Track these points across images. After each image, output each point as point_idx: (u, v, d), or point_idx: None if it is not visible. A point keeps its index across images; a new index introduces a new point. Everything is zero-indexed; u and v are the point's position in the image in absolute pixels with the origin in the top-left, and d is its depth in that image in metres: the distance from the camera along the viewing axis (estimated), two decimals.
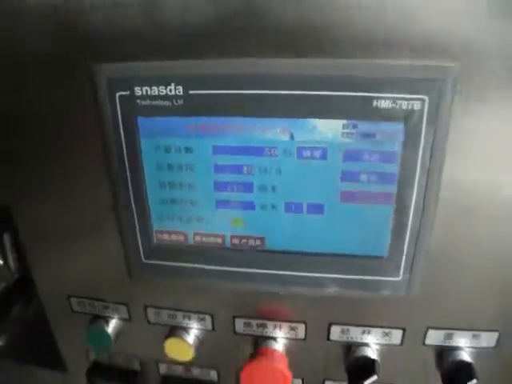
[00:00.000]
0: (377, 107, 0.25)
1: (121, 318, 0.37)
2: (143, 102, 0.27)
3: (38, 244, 0.35)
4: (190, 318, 0.35)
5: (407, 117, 0.25)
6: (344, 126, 0.26)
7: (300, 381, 0.37)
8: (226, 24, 0.24)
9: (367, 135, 0.26)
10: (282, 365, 0.33)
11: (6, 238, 0.46)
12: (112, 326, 0.38)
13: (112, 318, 0.38)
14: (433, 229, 0.28)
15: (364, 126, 0.26)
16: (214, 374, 0.39)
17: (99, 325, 0.38)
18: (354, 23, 0.23)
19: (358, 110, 0.25)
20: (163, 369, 0.40)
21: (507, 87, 0.24)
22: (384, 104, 0.25)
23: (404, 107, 0.25)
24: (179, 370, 0.40)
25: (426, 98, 0.24)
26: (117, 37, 0.26)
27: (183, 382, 0.40)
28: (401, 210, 0.27)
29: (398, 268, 0.29)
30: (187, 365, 0.38)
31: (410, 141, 0.26)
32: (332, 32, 0.24)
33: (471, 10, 0.22)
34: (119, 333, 0.38)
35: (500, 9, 0.22)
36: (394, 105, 0.25)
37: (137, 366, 0.41)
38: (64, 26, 0.26)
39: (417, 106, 0.25)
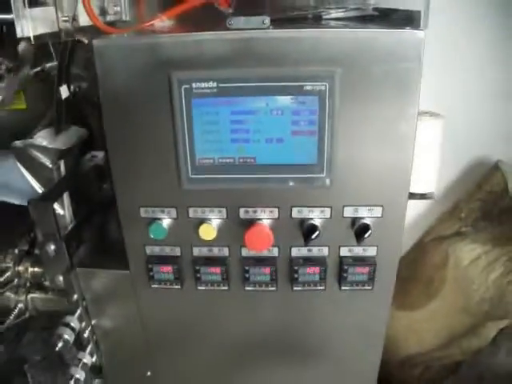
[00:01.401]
0: (306, 89, 0.59)
1: (171, 217, 0.70)
2: (195, 91, 0.60)
3: (122, 172, 0.67)
4: (212, 212, 0.68)
5: (320, 93, 0.59)
6: (291, 99, 0.59)
7: (277, 248, 0.70)
8: (234, 54, 0.58)
9: (302, 102, 0.60)
10: (267, 229, 0.66)
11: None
12: (166, 224, 0.70)
13: (165, 218, 0.70)
14: (338, 149, 0.62)
15: (300, 98, 0.59)
16: (226, 251, 0.71)
17: (158, 223, 0.69)
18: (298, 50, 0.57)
19: (297, 91, 0.59)
20: (195, 251, 0.72)
21: (371, 84, 0.58)
22: (308, 87, 0.58)
23: (317, 88, 0.58)
24: (204, 251, 0.72)
25: (326, 84, 0.58)
26: (183, 59, 0.59)
27: (207, 259, 0.72)
28: (321, 139, 0.61)
29: (322, 169, 0.63)
30: (210, 245, 0.71)
31: (322, 104, 0.59)
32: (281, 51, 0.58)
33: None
34: (169, 228, 0.70)
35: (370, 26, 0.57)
36: (313, 88, 0.59)
37: (178, 252, 0.73)
38: (157, 54, 0.59)
39: (323, 87, 0.58)
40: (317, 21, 0.77)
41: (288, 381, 0.87)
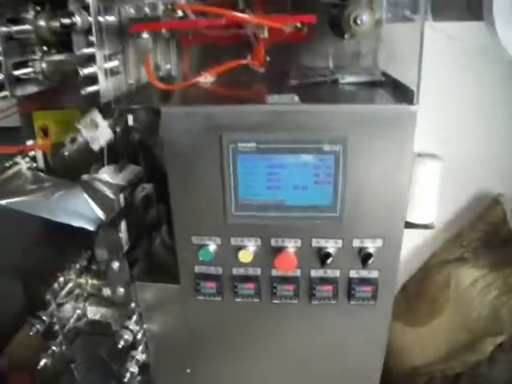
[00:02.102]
0: (324, 149, 0.79)
1: (216, 244, 0.90)
2: (240, 149, 0.81)
3: (179, 208, 0.88)
4: (250, 241, 0.89)
5: (335, 152, 0.79)
6: (313, 157, 0.80)
7: (299, 270, 0.91)
8: (270, 122, 0.79)
9: (321, 159, 0.80)
10: (292, 255, 0.86)
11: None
12: (212, 249, 0.90)
13: (212, 245, 0.90)
14: (348, 193, 0.82)
15: (320, 156, 0.80)
16: (259, 271, 0.92)
17: (206, 248, 0.90)
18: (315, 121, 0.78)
19: (317, 151, 0.80)
20: (234, 271, 0.93)
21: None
22: (326, 148, 0.79)
23: (333, 149, 0.79)
24: (241, 271, 0.92)
25: (340, 146, 0.79)
26: (232, 124, 0.80)
27: (243, 277, 0.93)
28: (335, 186, 0.82)
29: (336, 209, 0.83)
30: (246, 266, 0.91)
31: (336, 161, 0.80)
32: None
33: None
34: (215, 252, 0.91)
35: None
36: (330, 148, 0.79)
37: (220, 271, 0.94)
38: (212, 120, 0.80)
39: (337, 148, 0.79)
40: (334, 84, 0.99)
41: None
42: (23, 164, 1.22)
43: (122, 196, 1.08)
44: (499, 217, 1.55)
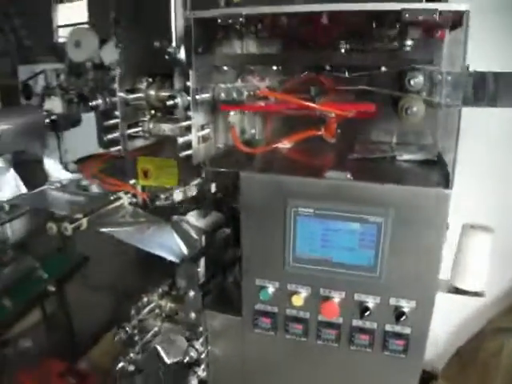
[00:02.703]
0: (369, 220, 0.98)
1: (275, 287, 1.11)
2: (300, 212, 1.02)
3: (249, 256, 1.10)
4: (302, 288, 1.08)
5: (378, 223, 0.98)
6: (360, 225, 0.99)
7: (342, 318, 1.08)
8: (327, 193, 0.99)
9: (367, 228, 0.99)
10: (336, 305, 1.05)
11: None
12: (270, 291, 1.11)
13: (271, 288, 1.11)
14: (388, 258, 1.00)
15: (365, 225, 0.99)
16: (308, 314, 1.11)
17: (266, 290, 1.11)
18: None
19: (364, 221, 0.99)
20: (287, 312, 1.12)
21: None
22: (371, 219, 0.98)
23: (377, 220, 0.98)
24: (293, 313, 1.12)
25: (383, 218, 0.97)
26: (295, 192, 1.01)
27: (294, 318, 1.12)
28: (377, 250, 1.00)
29: (376, 270, 1.01)
30: (298, 309, 1.11)
31: (378, 231, 0.98)
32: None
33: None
34: (273, 294, 1.11)
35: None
36: (374, 220, 0.98)
37: (276, 310, 1.14)
38: (280, 187, 1.02)
39: (380, 220, 0.98)
40: (392, 160, 1.18)
41: None
42: (125, 199, 1.50)
43: (203, 237, 1.32)
44: None
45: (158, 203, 1.33)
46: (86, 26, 1.93)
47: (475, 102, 0.97)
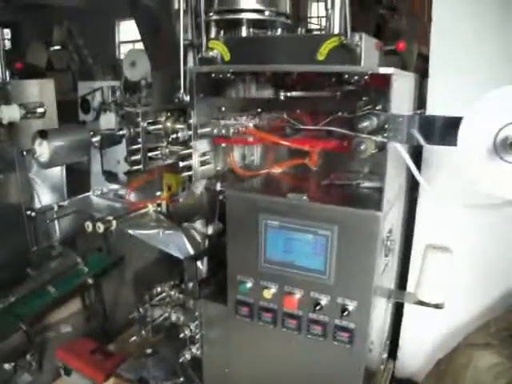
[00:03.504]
0: (319, 233, 1.30)
1: (251, 282, 1.44)
2: (269, 225, 1.35)
3: (235, 258, 1.45)
4: (271, 284, 1.41)
5: (326, 236, 1.29)
6: (312, 237, 1.31)
7: (300, 311, 1.40)
8: (288, 210, 1.32)
9: (318, 239, 1.31)
10: (296, 299, 1.37)
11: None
12: (248, 285, 1.44)
13: (248, 282, 1.44)
14: (335, 264, 1.31)
15: (317, 237, 1.30)
16: (275, 306, 1.43)
17: (245, 284, 1.44)
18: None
19: (315, 234, 1.30)
20: (260, 303, 1.45)
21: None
22: (321, 232, 1.30)
23: (325, 234, 1.29)
24: (265, 304, 1.44)
25: (330, 232, 1.29)
26: (265, 208, 1.35)
27: (265, 308, 1.44)
28: (326, 258, 1.31)
29: (326, 274, 1.32)
30: (268, 301, 1.43)
31: (327, 242, 1.30)
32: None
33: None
34: (249, 288, 1.44)
35: None
36: (323, 233, 1.29)
37: (252, 301, 1.46)
38: (253, 203, 1.36)
39: (328, 233, 1.29)
40: (356, 186, 1.49)
41: None
42: (151, 207, 1.88)
43: (206, 241, 1.68)
44: None
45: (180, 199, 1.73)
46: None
47: (416, 141, 1.25)
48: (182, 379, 1.81)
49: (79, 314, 2.78)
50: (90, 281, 2.56)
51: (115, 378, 1.93)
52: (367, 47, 1.25)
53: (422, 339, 2.15)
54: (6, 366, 2.28)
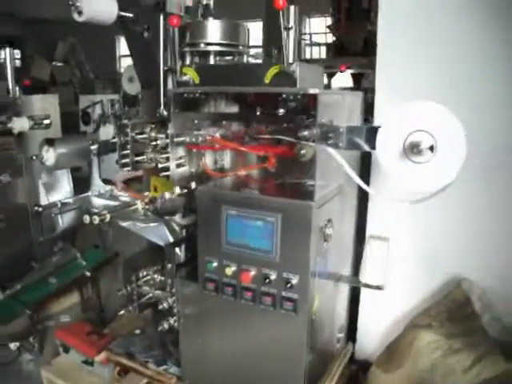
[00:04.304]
0: (267, 220, 1.68)
1: (216, 262, 1.81)
2: (229, 213, 1.73)
3: (203, 243, 1.83)
4: (232, 263, 1.79)
5: (272, 222, 1.67)
6: (262, 223, 1.69)
7: (254, 285, 1.77)
8: (242, 203, 1.71)
9: (266, 225, 1.68)
10: (250, 275, 1.74)
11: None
12: (214, 264, 1.82)
13: (214, 262, 1.82)
14: (281, 244, 1.68)
15: (266, 223, 1.68)
16: (235, 281, 1.81)
17: (211, 263, 1.82)
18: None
19: (264, 220, 1.68)
20: (223, 279, 1.83)
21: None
22: (268, 219, 1.67)
23: (272, 220, 1.67)
24: (227, 280, 1.82)
25: (275, 219, 1.66)
26: (227, 200, 1.73)
27: (227, 284, 1.82)
28: (273, 240, 1.69)
29: (272, 252, 1.69)
30: (229, 277, 1.81)
31: (273, 227, 1.67)
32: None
33: None
34: (215, 267, 1.82)
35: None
36: (270, 220, 1.67)
37: (216, 278, 1.84)
38: (218, 197, 1.74)
39: (274, 220, 1.67)
40: (303, 185, 1.87)
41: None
42: (139, 204, 2.27)
43: (184, 231, 2.06)
44: (461, 297, 2.20)
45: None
46: None
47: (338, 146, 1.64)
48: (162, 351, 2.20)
49: (77, 305, 3.15)
50: (88, 273, 2.94)
51: (106, 351, 2.30)
52: (302, 73, 1.64)
53: (377, 323, 2.50)
54: (12, 345, 2.67)
